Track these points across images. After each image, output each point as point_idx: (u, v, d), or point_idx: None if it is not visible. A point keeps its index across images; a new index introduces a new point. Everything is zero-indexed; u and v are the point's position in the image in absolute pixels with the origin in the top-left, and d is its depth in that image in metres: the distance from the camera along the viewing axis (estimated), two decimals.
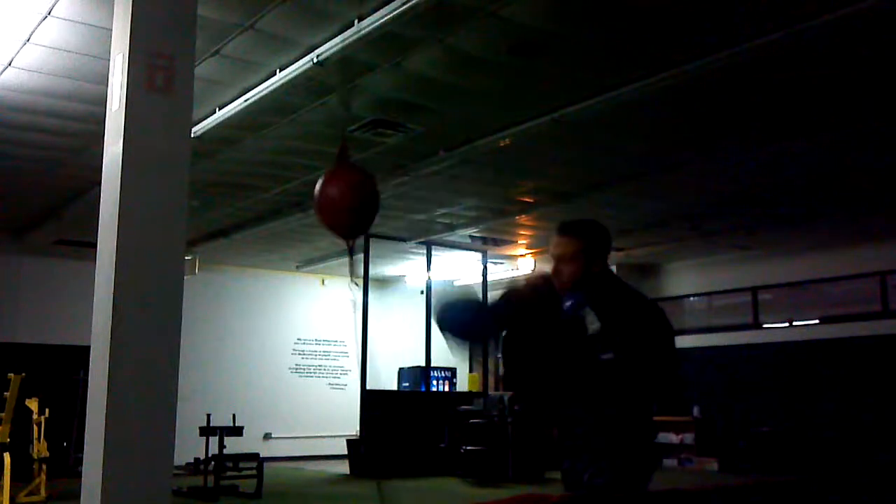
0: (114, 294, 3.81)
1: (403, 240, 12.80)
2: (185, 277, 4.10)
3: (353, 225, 4.99)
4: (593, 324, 2.76)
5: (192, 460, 10.18)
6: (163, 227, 4.02)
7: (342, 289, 16.10)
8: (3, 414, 8.89)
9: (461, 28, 5.75)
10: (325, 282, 16.18)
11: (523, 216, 11.33)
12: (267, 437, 14.88)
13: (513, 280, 14.06)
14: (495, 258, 14.30)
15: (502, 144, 8.05)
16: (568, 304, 2.87)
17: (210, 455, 9.76)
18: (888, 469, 10.98)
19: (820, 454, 11.97)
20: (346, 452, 12.51)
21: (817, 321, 13.09)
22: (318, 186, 5.01)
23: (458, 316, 2.99)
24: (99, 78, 6.16)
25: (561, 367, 2.85)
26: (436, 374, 14.62)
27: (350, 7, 5.45)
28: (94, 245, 4.08)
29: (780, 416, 12.79)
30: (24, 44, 6.05)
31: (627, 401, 2.81)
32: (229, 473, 9.73)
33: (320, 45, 5.88)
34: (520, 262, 14.58)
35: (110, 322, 3.78)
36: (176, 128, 4.14)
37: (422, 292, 13.85)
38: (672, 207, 10.91)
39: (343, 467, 12.50)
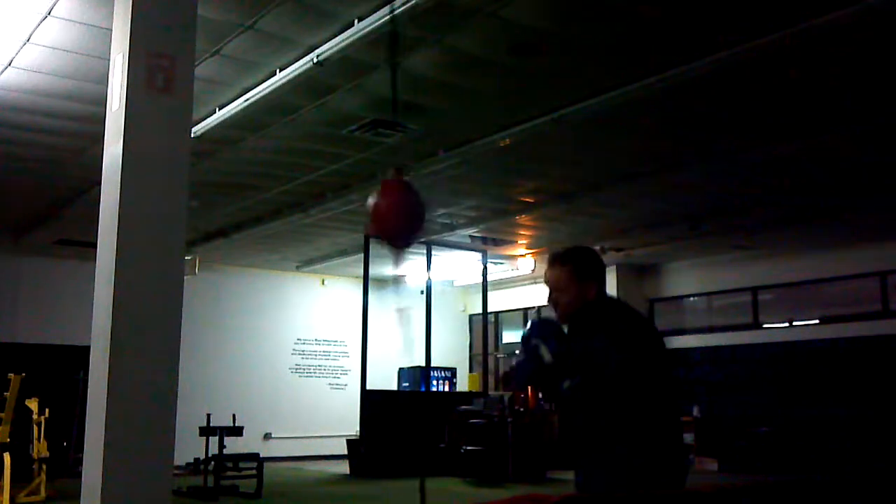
0: (114, 294, 3.81)
1: None
2: (185, 277, 4.10)
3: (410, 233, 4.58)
4: (545, 356, 2.82)
5: (192, 460, 10.19)
6: (163, 227, 4.01)
7: (342, 289, 16.10)
8: (3, 414, 8.89)
9: (461, 28, 5.74)
10: (325, 282, 16.18)
11: (523, 216, 11.33)
12: (267, 437, 14.87)
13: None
14: (495, 258, 14.29)
15: (502, 144, 8.05)
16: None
17: (210, 455, 9.76)
18: (888, 468, 10.97)
19: (819, 454, 11.97)
20: (346, 452, 12.52)
21: (817, 321, 13.09)
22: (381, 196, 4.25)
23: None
24: (99, 78, 6.15)
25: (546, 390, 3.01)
26: (436, 374, 14.61)
27: (350, 7, 5.45)
28: (94, 245, 4.08)
29: (780, 416, 12.79)
30: (24, 44, 6.05)
31: (603, 418, 2.79)
32: (229, 473, 9.73)
33: (320, 45, 5.88)
34: (520, 262, 14.57)
35: (110, 322, 3.78)
36: (176, 128, 4.14)
37: (422, 292, 13.84)
38: (672, 207, 10.90)
39: (343, 467, 12.50)
